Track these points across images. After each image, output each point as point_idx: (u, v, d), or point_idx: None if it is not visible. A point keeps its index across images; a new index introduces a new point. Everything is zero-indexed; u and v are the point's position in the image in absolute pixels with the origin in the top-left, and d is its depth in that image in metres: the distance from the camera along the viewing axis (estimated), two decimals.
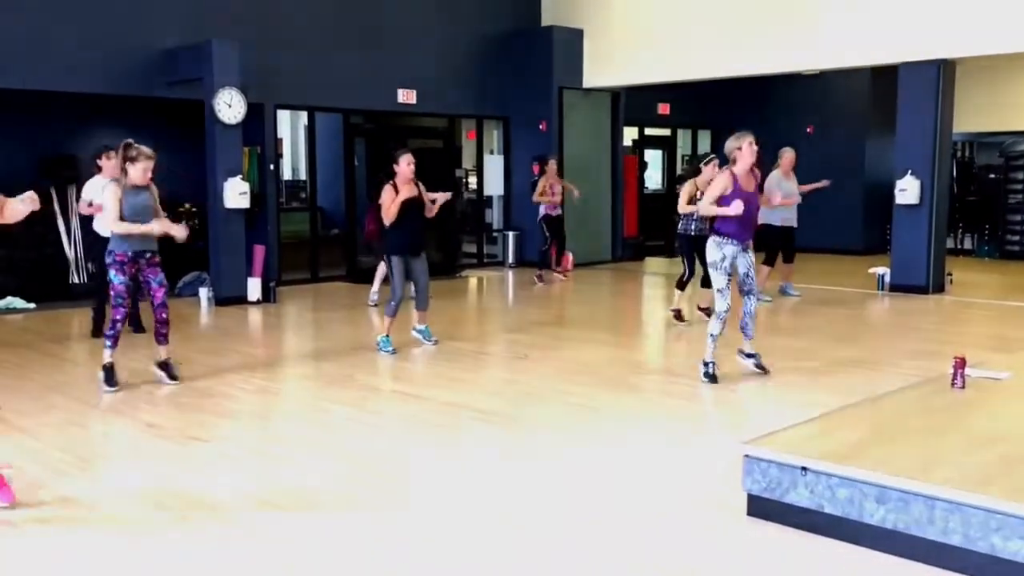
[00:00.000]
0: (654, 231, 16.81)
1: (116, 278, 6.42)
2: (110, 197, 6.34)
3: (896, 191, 11.40)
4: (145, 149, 6.47)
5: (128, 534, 3.95)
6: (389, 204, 7.58)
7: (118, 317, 6.49)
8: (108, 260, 6.43)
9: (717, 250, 6.48)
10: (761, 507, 4.05)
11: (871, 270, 11.90)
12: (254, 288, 10.85)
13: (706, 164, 8.74)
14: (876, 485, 3.68)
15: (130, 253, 6.41)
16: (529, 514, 4.17)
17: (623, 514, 4.19)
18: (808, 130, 16.74)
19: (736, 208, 6.24)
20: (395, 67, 13.09)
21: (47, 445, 5.24)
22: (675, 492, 4.47)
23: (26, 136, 10.73)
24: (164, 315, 6.61)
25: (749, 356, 6.85)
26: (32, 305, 10.25)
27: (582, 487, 4.56)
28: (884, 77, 13.88)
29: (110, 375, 6.51)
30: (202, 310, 10.46)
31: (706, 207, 6.44)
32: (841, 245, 16.03)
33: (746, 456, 4.08)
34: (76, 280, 10.91)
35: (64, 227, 10.83)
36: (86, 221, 8.80)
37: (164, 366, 6.75)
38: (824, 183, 11.16)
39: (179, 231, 6.44)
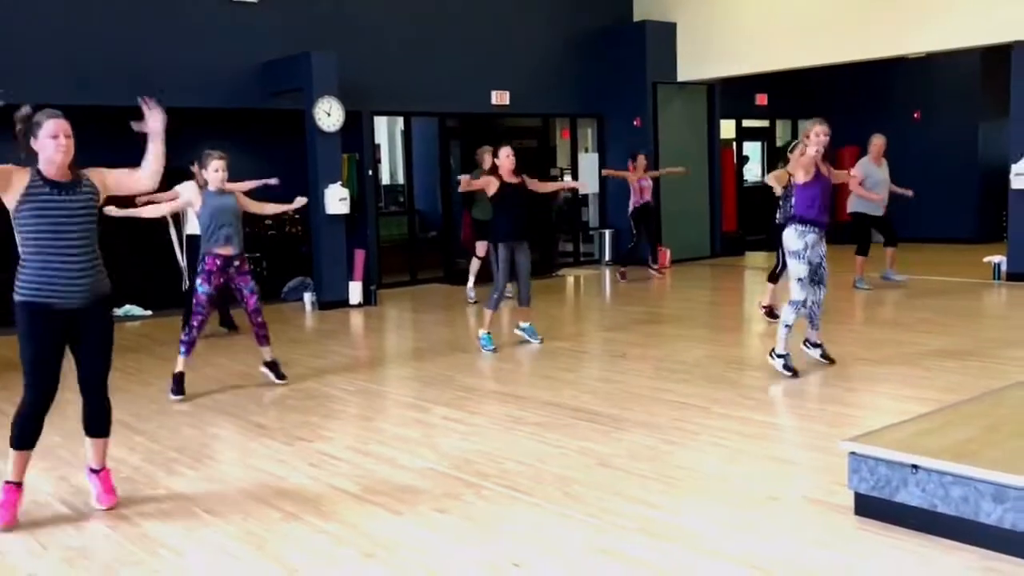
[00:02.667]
0: (754, 225, 16.47)
1: (201, 287, 6.63)
2: (176, 190, 6.73)
3: (1012, 176, 10.89)
4: (214, 152, 6.73)
5: (236, 531, 4.09)
6: (487, 184, 7.81)
7: (195, 324, 6.66)
8: (198, 268, 6.67)
9: (799, 239, 6.43)
10: (869, 506, 3.92)
11: (986, 259, 11.39)
12: (355, 292, 11.09)
13: (791, 152, 8.57)
14: (993, 483, 3.51)
15: (219, 262, 6.62)
16: (629, 513, 4.14)
17: (726, 512, 4.11)
18: (915, 116, 16.13)
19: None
20: (488, 69, 13.18)
21: (164, 446, 5.48)
22: (779, 490, 4.37)
23: (141, 151, 11.21)
24: (260, 319, 6.82)
25: (816, 346, 6.79)
26: (148, 312, 10.72)
27: (682, 486, 4.50)
28: (995, 57, 13.25)
29: (179, 384, 6.63)
30: (306, 314, 10.76)
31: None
32: (954, 234, 15.38)
33: (852, 454, 3.95)
34: (187, 287, 11.35)
35: (176, 236, 11.29)
36: (183, 242, 9.20)
37: (271, 366, 6.98)
38: (909, 193, 10.69)
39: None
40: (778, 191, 8.58)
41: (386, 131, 15.03)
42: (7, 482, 4.26)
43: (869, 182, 10.32)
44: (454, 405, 6.23)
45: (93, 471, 4.49)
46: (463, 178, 10.78)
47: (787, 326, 6.53)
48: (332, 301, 10.94)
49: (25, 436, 4.20)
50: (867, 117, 15.81)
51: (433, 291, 12.37)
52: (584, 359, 7.90)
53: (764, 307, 9.08)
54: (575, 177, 14.98)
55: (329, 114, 10.74)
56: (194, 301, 6.74)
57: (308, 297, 11.09)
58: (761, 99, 16.66)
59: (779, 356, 6.61)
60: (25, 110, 4.15)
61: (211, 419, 6.13)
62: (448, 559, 3.73)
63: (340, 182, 10.98)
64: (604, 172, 12.65)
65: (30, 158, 4.13)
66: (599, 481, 4.58)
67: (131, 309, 10.67)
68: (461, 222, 12.55)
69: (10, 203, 4.06)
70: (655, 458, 4.92)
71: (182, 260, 9.45)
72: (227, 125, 11.98)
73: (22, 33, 9.69)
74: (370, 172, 12.45)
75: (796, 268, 6.47)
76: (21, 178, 4.06)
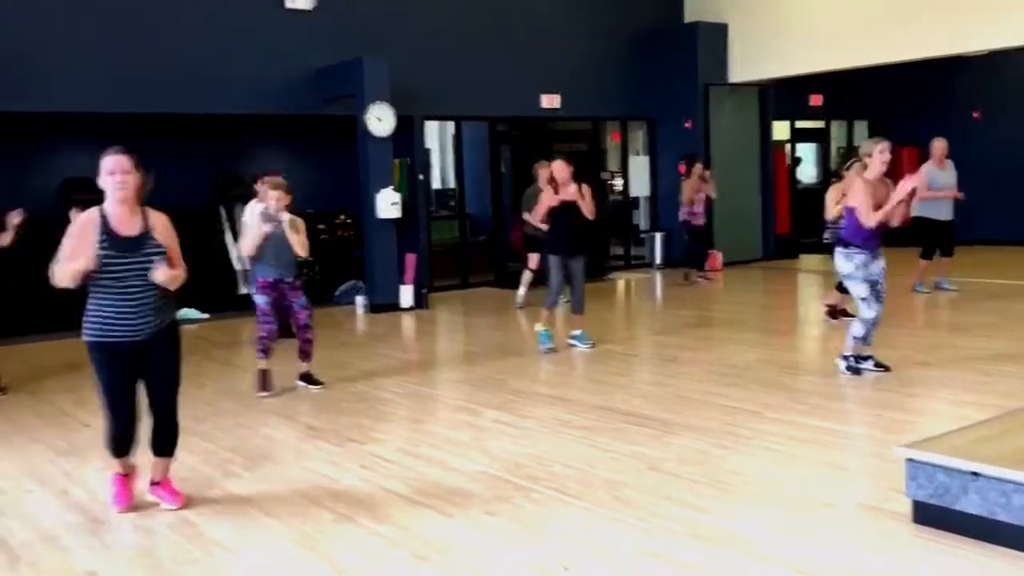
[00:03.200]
0: (808, 227, 16.21)
1: (259, 298, 6.85)
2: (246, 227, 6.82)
3: None
4: (272, 180, 6.81)
5: (290, 532, 4.15)
6: (544, 203, 7.88)
7: (263, 334, 6.87)
8: (252, 288, 6.90)
9: (847, 262, 6.39)
10: (928, 514, 3.84)
11: None
12: (407, 295, 11.18)
13: (847, 170, 8.41)
14: None
15: (271, 279, 6.79)
16: (679, 517, 4.11)
17: (779, 517, 4.06)
18: (974, 115, 15.76)
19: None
20: (538, 73, 13.20)
21: (219, 447, 5.58)
22: (833, 496, 4.30)
23: (200, 157, 11.45)
24: (308, 335, 6.97)
25: (867, 358, 6.70)
26: (206, 315, 10.91)
27: (733, 490, 4.45)
28: None
29: (264, 380, 6.88)
30: (358, 317, 10.87)
31: (871, 218, 6.20)
32: (1017, 236, 14.97)
33: (909, 460, 3.88)
34: (244, 291, 11.55)
35: (232, 241, 11.49)
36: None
37: (306, 377, 7.11)
38: (960, 196, 10.35)
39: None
40: (831, 213, 8.38)
41: (437, 136, 15.13)
42: (116, 475, 4.52)
43: (933, 188, 10.10)
44: (504, 408, 6.25)
45: (155, 483, 4.60)
46: (527, 217, 10.76)
47: (855, 338, 6.54)
48: (383, 304, 11.03)
49: (121, 450, 4.44)
50: (925, 117, 15.51)
51: (484, 295, 12.41)
52: (635, 363, 7.87)
53: (827, 305, 8.92)
54: (625, 179, 14.92)
55: (381, 120, 10.84)
56: (257, 312, 6.95)
57: (360, 300, 11.21)
58: (816, 100, 16.42)
59: (844, 357, 6.63)
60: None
61: (265, 421, 6.22)
62: (498, 561, 3.74)
63: (392, 186, 11.07)
64: (685, 199, 12.27)
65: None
66: (649, 485, 4.56)
67: (188, 312, 10.87)
68: (512, 226, 12.58)
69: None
70: (706, 462, 4.88)
71: (237, 264, 9.62)
72: (281, 131, 12.17)
73: (72, 39, 9.91)
74: (421, 176, 12.53)
75: (856, 289, 6.45)
76: (92, 235, 4.11)
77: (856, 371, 6.57)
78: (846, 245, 6.39)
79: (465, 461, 5.10)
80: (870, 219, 6.19)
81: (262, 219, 6.72)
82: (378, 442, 5.57)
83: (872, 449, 5.03)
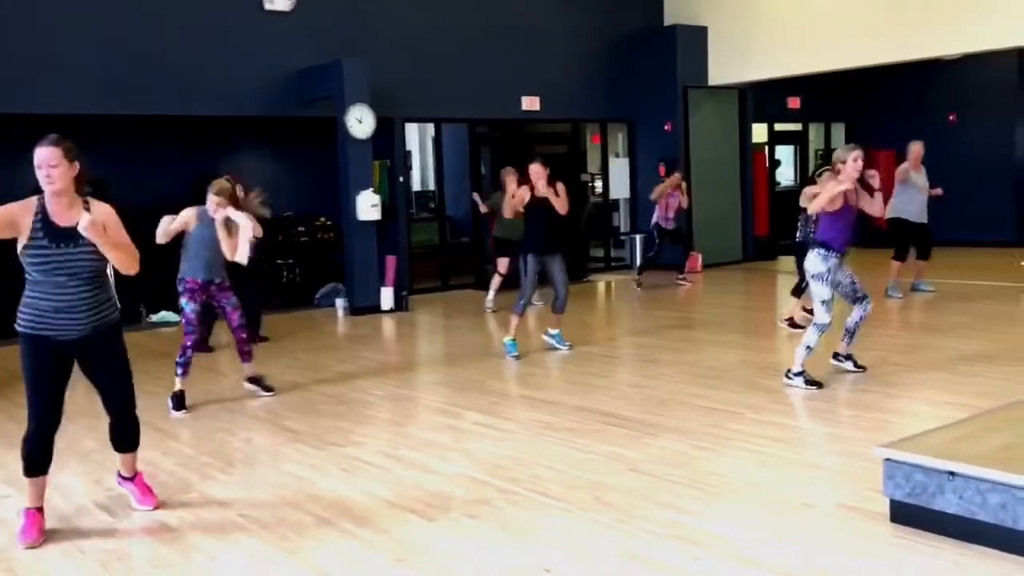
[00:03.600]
0: (786, 229, 16.31)
1: (187, 305, 6.55)
2: (180, 216, 6.52)
3: None
4: (217, 184, 6.52)
5: (269, 535, 4.12)
6: (514, 200, 7.93)
7: (188, 344, 6.58)
8: (180, 288, 6.60)
9: (822, 262, 6.33)
10: (905, 513, 3.87)
11: None
12: (387, 297, 11.15)
13: (818, 176, 8.49)
14: None
15: (200, 280, 6.59)
16: (660, 519, 4.11)
17: (759, 519, 4.08)
18: (951, 118, 15.92)
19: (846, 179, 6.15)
20: (518, 75, 13.20)
21: (197, 451, 5.54)
22: (813, 496, 4.32)
23: (181, 158, 11.36)
24: (243, 335, 6.77)
25: (847, 358, 6.75)
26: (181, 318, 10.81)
27: (714, 492, 4.46)
28: None
29: (179, 401, 6.53)
30: (338, 320, 10.83)
31: (817, 205, 6.25)
32: (990, 237, 15.14)
33: (887, 460, 3.90)
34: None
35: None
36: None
37: (255, 381, 6.93)
38: (939, 192, 10.47)
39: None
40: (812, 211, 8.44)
41: (417, 137, 15.11)
42: (27, 508, 4.24)
43: (911, 189, 10.18)
44: (485, 411, 6.24)
45: (125, 478, 4.55)
46: (476, 197, 10.80)
47: (808, 347, 6.39)
48: (364, 307, 11.00)
49: (34, 462, 4.14)
50: (902, 120, 15.65)
51: (464, 297, 12.39)
52: (615, 364, 7.88)
53: (787, 320, 8.98)
54: (605, 182, 14.95)
55: (361, 121, 10.81)
56: (183, 320, 6.69)
57: (340, 303, 11.16)
58: (794, 102, 16.54)
59: (796, 375, 6.46)
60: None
61: (243, 424, 6.18)
62: (479, 564, 3.73)
63: (371, 188, 11.04)
64: (654, 196, 12.27)
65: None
66: (630, 487, 4.56)
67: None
68: (488, 229, 12.57)
69: (18, 243, 4.01)
70: (686, 464, 4.89)
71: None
72: (259, 133, 12.11)
73: (54, 42, 9.82)
74: (401, 178, 12.51)
75: (819, 291, 6.35)
76: (25, 221, 3.97)
77: (816, 383, 6.39)
78: (825, 247, 6.37)
79: (446, 464, 5.09)
80: (817, 203, 6.24)
81: (196, 216, 6.53)
82: (358, 445, 5.54)
83: (851, 449, 5.06)
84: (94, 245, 3.99)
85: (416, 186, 14.94)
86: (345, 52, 11.03)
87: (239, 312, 6.75)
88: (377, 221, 11.10)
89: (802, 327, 8.83)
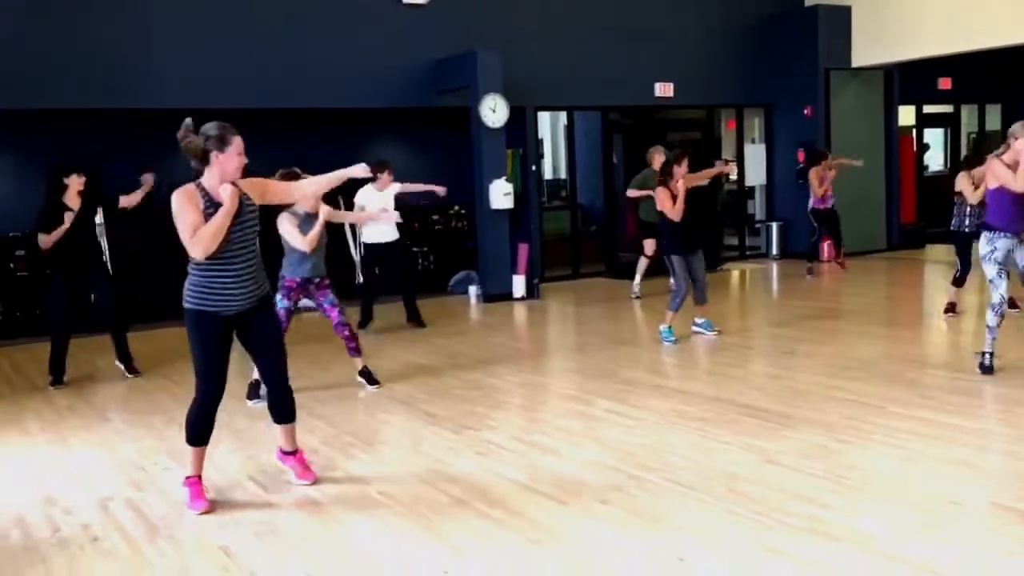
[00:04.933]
0: (935, 216, 15.56)
1: (280, 302, 6.43)
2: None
3: None
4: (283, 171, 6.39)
5: (407, 512, 4.27)
6: (671, 208, 7.83)
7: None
8: (279, 284, 6.52)
9: (987, 244, 6.19)
10: None
11: None
12: (519, 285, 11.27)
13: (997, 155, 8.05)
14: None
15: (297, 279, 6.57)
16: (797, 512, 4.03)
17: (903, 515, 3.93)
18: None
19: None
20: (651, 61, 13.05)
21: (340, 430, 5.77)
22: (962, 494, 4.14)
23: (317, 150, 11.79)
24: (346, 332, 6.77)
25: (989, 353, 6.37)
26: None
27: (854, 486, 4.33)
28: None
29: (254, 389, 6.48)
30: (471, 307, 11.02)
31: (1020, 181, 5.93)
32: None
33: None
34: (360, 280, 11.86)
35: (350, 232, 11.83)
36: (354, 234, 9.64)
37: (364, 374, 6.94)
38: None
39: None
40: (972, 200, 8.03)
41: (549, 126, 15.17)
42: (188, 477, 4.54)
43: None
44: (617, 399, 6.24)
45: (287, 453, 4.79)
46: (631, 193, 10.71)
47: (988, 327, 6.27)
48: (496, 294, 11.15)
49: (199, 433, 4.45)
50: None
51: (595, 285, 12.39)
52: (751, 355, 7.73)
53: (948, 304, 8.66)
54: (740, 168, 14.62)
55: (494, 110, 10.94)
56: None
57: (473, 290, 11.36)
58: (944, 83, 15.71)
59: (980, 354, 6.37)
60: (189, 122, 4.31)
61: (384, 406, 6.40)
62: (612, 550, 3.76)
63: (504, 177, 11.17)
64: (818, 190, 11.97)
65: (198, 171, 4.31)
66: (766, 479, 4.48)
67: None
68: (625, 217, 12.51)
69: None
70: (825, 457, 4.76)
71: (355, 254, 9.90)
72: (397, 123, 12.43)
73: (193, 40, 10.32)
74: (533, 167, 12.59)
75: (986, 269, 6.24)
76: (197, 204, 4.22)
77: (988, 369, 6.26)
78: (990, 229, 6.20)
79: (578, 450, 5.13)
80: (1019, 182, 5.92)
81: (293, 218, 6.44)
82: (492, 429, 5.65)
83: (1003, 447, 4.81)
84: (255, 217, 4.32)
85: (548, 175, 15.00)
86: (479, 42, 11.17)
87: (338, 309, 6.71)
88: (509, 209, 11.22)
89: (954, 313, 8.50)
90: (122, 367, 7.68)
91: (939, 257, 13.36)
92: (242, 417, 6.08)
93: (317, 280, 6.63)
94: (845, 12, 13.64)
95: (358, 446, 5.42)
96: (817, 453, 4.84)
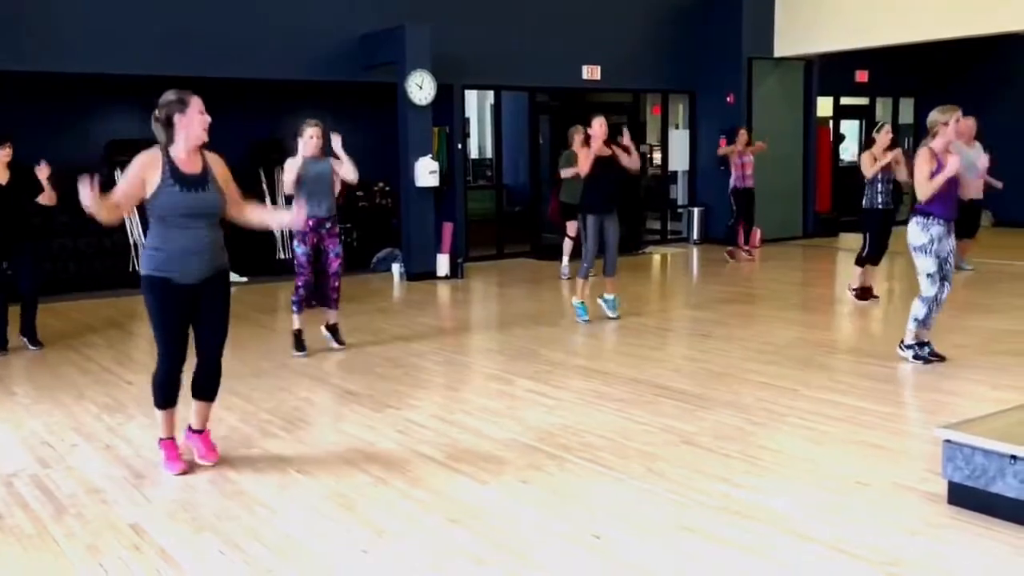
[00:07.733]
0: (850, 206, 16.00)
1: (298, 248, 6.93)
2: (287, 168, 6.84)
3: None
4: (310, 120, 6.96)
5: (327, 492, 4.23)
6: (583, 159, 7.95)
7: (300, 284, 7.00)
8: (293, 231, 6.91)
9: (923, 232, 6.10)
10: (963, 496, 3.82)
11: None
12: (443, 264, 11.24)
13: (878, 132, 8.71)
14: None
15: (311, 222, 6.82)
16: (712, 491, 4.12)
17: (813, 495, 4.06)
18: None
19: (952, 166, 5.94)
20: (580, 43, 13.08)
21: (258, 408, 5.68)
22: (868, 475, 4.29)
23: (238, 122, 11.51)
24: (336, 283, 7.10)
25: (923, 345, 6.43)
26: (244, 279, 11.04)
27: (767, 466, 4.45)
28: None
29: (298, 341, 7.03)
30: (394, 285, 10.94)
31: (926, 190, 6.04)
32: None
33: (946, 442, 3.86)
34: (282, 256, 11.67)
35: (272, 207, 11.60)
36: (287, 200, 9.39)
37: (332, 329, 7.23)
38: (998, 185, 10.15)
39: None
40: (868, 175, 8.50)
41: (476, 105, 15.10)
42: (161, 439, 4.57)
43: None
44: (538, 378, 6.28)
45: (194, 431, 4.69)
46: (564, 173, 10.73)
47: (916, 319, 6.30)
48: (420, 273, 11.10)
49: (165, 397, 4.48)
50: (975, 98, 15.15)
51: (519, 265, 12.43)
52: (670, 337, 7.86)
53: (853, 289, 8.93)
54: (664, 153, 14.80)
55: (421, 87, 10.84)
56: (295, 262, 7.07)
57: (396, 268, 11.28)
58: (862, 76, 16.14)
59: (907, 347, 6.40)
60: (169, 96, 4.34)
61: (303, 384, 6.31)
62: (531, 528, 3.79)
63: (430, 155, 11.09)
64: (720, 152, 12.33)
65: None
66: (682, 458, 4.58)
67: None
68: (548, 198, 12.54)
69: (145, 194, 4.25)
70: (740, 438, 4.88)
71: (276, 230, 9.73)
72: (321, 98, 12.20)
73: (118, 4, 9.97)
74: (459, 146, 12.53)
75: (923, 263, 6.15)
76: (154, 173, 4.22)
77: (924, 359, 6.32)
78: (925, 215, 6.11)
79: (499, 429, 5.15)
80: (925, 189, 6.03)
81: (301, 161, 6.86)
82: (414, 408, 5.63)
83: (908, 429, 5.00)
84: (218, 198, 4.32)
85: (474, 154, 14.95)
86: (408, 17, 11.03)
87: (340, 261, 7.06)
88: (435, 188, 11.16)
89: (865, 299, 8.77)
90: (25, 339, 7.43)
91: (852, 245, 13.75)
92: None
93: (328, 225, 6.94)
94: (768, 2, 13.89)
95: (276, 424, 5.35)
96: (732, 434, 4.95)
